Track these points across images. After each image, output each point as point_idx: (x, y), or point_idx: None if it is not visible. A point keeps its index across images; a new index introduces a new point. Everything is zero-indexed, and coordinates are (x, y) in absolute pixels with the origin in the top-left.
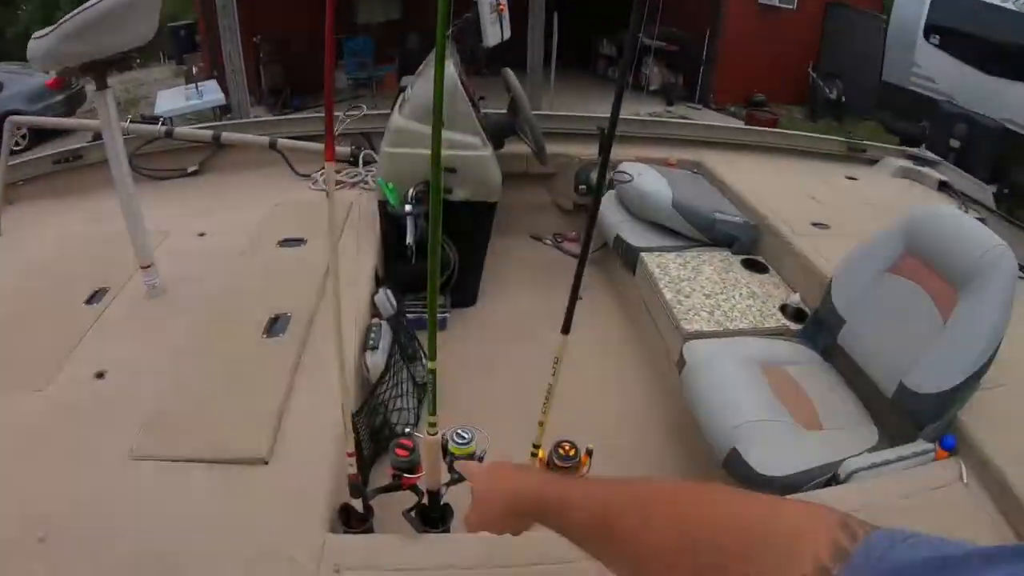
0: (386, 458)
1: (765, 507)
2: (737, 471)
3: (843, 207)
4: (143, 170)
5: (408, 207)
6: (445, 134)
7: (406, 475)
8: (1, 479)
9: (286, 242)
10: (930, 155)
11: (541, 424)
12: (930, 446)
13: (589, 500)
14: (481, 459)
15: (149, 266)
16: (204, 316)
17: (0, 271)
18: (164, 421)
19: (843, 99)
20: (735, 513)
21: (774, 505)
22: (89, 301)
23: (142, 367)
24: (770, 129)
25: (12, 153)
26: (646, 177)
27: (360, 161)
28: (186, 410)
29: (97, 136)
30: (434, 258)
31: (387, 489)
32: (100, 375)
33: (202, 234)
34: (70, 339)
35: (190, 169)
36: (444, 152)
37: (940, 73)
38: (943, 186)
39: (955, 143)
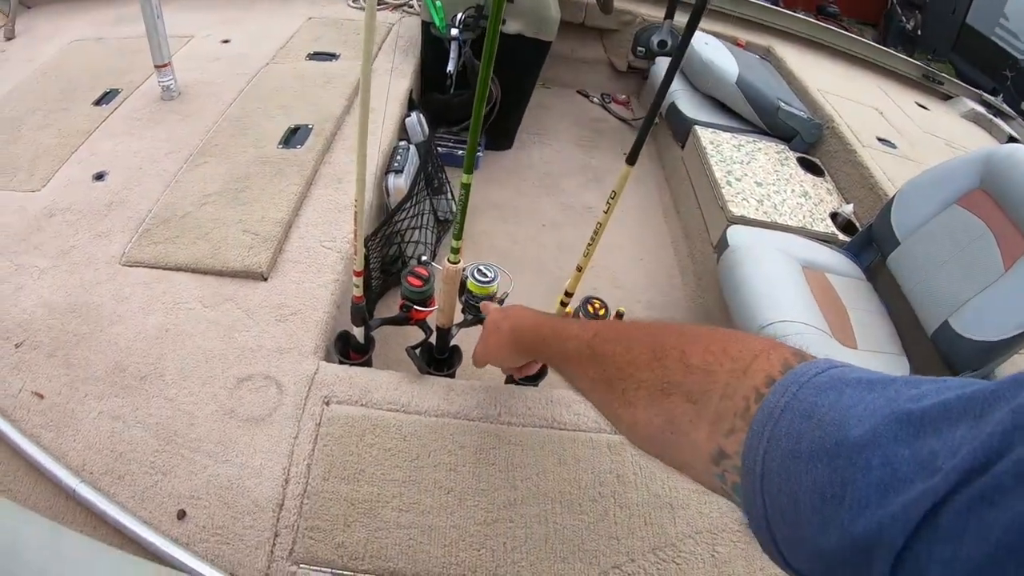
0: (394, 293)
1: (733, 335)
2: None
3: (911, 132)
4: None
5: (454, 31)
6: None
7: (417, 308)
8: None
9: (316, 55)
10: (1006, 108)
11: (580, 270)
12: None
13: (582, 331)
14: (501, 302)
15: (165, 66)
16: (218, 122)
17: (10, 72)
18: (160, 227)
19: (919, 32)
20: (704, 335)
21: (742, 335)
22: (98, 102)
23: (145, 171)
24: (849, 33)
25: None
26: (713, 48)
27: None
28: (185, 217)
29: None
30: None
31: (393, 321)
32: (99, 177)
33: (226, 41)
34: (73, 139)
35: None
36: None
37: None
38: (1011, 142)
39: None
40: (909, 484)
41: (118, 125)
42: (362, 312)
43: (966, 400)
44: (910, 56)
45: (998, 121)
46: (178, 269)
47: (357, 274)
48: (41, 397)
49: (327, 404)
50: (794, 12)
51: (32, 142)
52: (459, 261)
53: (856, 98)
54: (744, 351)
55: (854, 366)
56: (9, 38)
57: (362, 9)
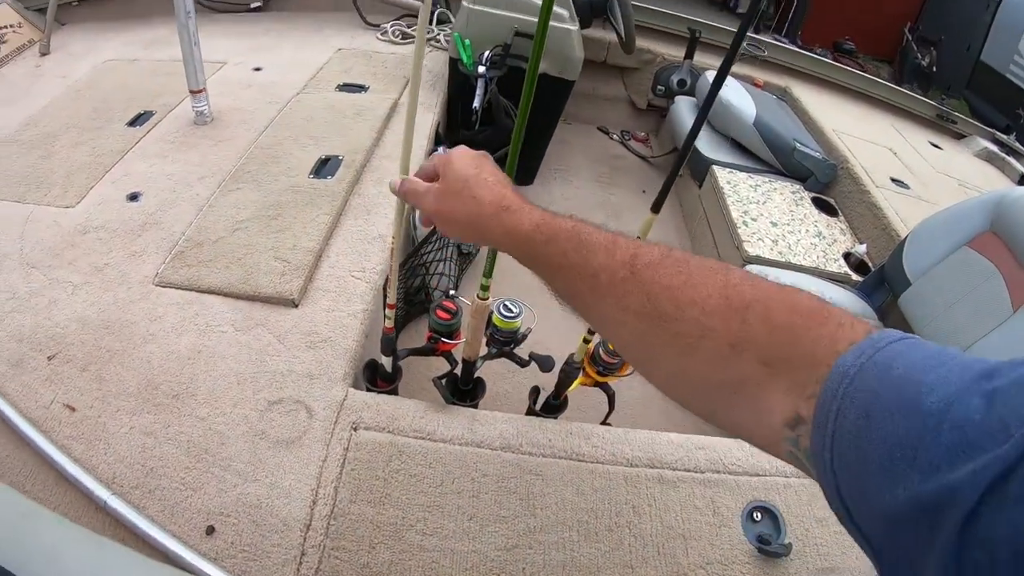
0: (415, 324)
1: (814, 298)
2: None
3: (924, 172)
4: (205, 1)
5: (481, 68)
6: (532, 0)
7: (444, 340)
8: (19, 294)
9: (346, 87)
10: (1019, 146)
11: None
12: None
13: (613, 245)
14: (524, 337)
15: (200, 91)
16: (250, 149)
17: (44, 87)
18: (194, 250)
19: (934, 69)
20: (786, 295)
21: (823, 300)
22: (132, 123)
23: (178, 194)
24: (864, 74)
25: None
26: (731, 90)
27: (434, 18)
28: (219, 242)
29: None
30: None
31: (421, 352)
32: (134, 197)
33: (258, 68)
34: (108, 158)
35: (254, 4)
36: (529, 19)
37: None
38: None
39: None
40: (980, 450)
41: (152, 147)
42: (392, 343)
43: None
44: (925, 93)
45: (1011, 160)
46: (211, 292)
47: (390, 307)
48: (73, 410)
49: (355, 430)
50: (812, 49)
51: (66, 159)
52: (488, 297)
53: (871, 138)
54: (830, 317)
55: (927, 342)
56: (44, 54)
57: (391, 42)
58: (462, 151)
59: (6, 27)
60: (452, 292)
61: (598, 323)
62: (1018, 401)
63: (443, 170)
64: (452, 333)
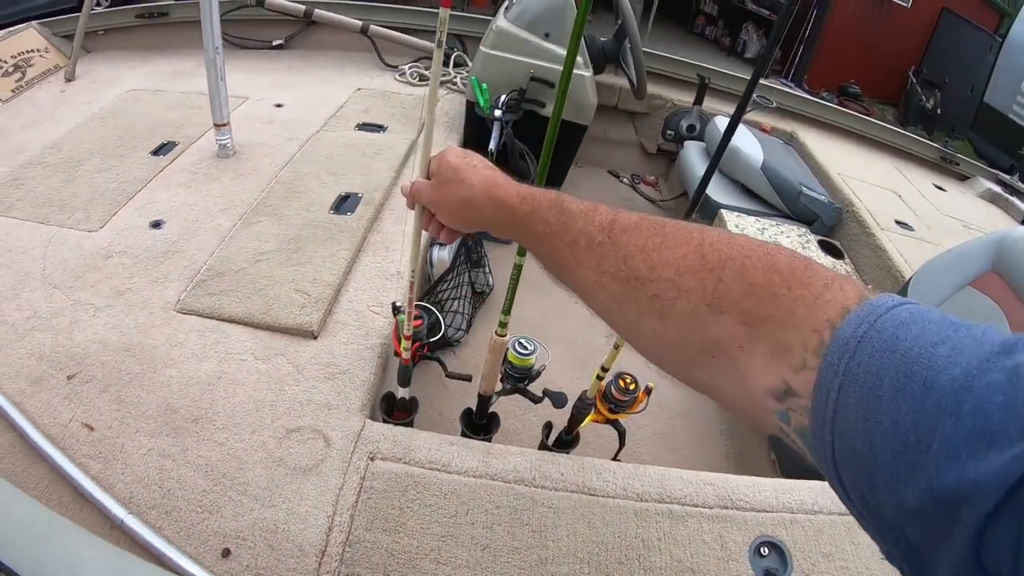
0: (429, 363)
1: (798, 257)
2: (783, 450)
3: (928, 214)
4: (228, 37)
5: (497, 112)
6: (548, 47)
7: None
8: (40, 313)
9: (364, 126)
10: (1023, 186)
11: (617, 348)
12: None
13: (593, 212)
14: (539, 374)
15: (224, 125)
16: (271, 184)
17: (69, 112)
18: (215, 280)
19: (938, 111)
20: (764, 251)
21: (807, 259)
22: (156, 152)
23: (201, 224)
24: (869, 118)
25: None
26: (740, 135)
27: (451, 62)
28: (240, 272)
29: None
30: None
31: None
32: (156, 225)
33: (280, 105)
34: (131, 185)
35: (276, 42)
36: (544, 64)
37: None
38: None
39: None
40: (1005, 439)
41: (175, 177)
42: (408, 374)
43: None
44: (930, 134)
45: (1015, 200)
46: (231, 321)
47: (407, 338)
48: (91, 429)
49: (372, 460)
50: (818, 93)
51: (89, 184)
52: (506, 334)
53: (875, 181)
54: (814, 277)
55: (930, 308)
56: (69, 79)
57: (409, 83)
58: (452, 148)
59: (33, 51)
60: (460, 334)
61: (579, 290)
62: None
63: (437, 165)
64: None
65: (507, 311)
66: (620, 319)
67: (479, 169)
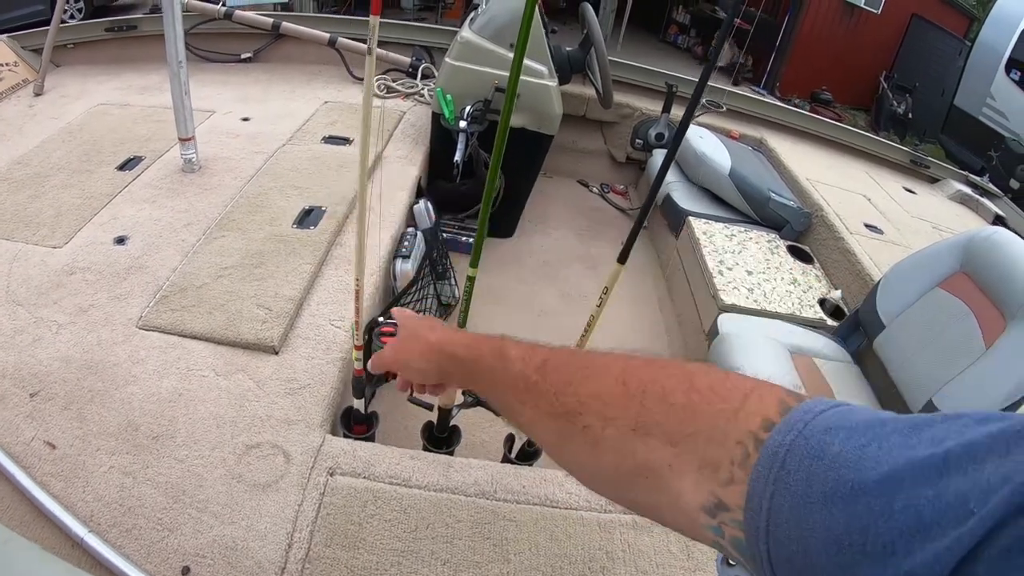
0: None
1: (717, 371)
2: None
3: (898, 217)
4: (196, 50)
5: (463, 123)
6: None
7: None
8: (3, 330)
9: (331, 139)
10: (992, 187)
11: None
12: None
13: (529, 354)
14: None
15: (189, 139)
16: (236, 198)
17: (37, 128)
18: (178, 295)
19: (910, 115)
20: (683, 370)
21: (725, 372)
22: (121, 167)
23: (164, 239)
24: (839, 123)
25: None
26: (707, 142)
27: (419, 73)
28: (202, 288)
29: (155, 9)
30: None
31: (384, 380)
32: (121, 240)
33: (246, 119)
34: (96, 201)
35: (243, 55)
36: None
37: (1014, 110)
38: (998, 220)
39: (1015, 184)
40: (938, 529)
41: (140, 192)
42: (362, 385)
43: (992, 439)
44: (902, 139)
45: (984, 201)
46: (193, 337)
47: (358, 348)
48: (53, 447)
49: (331, 475)
50: (789, 100)
51: (55, 200)
52: None
53: (845, 186)
54: (733, 389)
55: (857, 405)
56: (38, 94)
57: (376, 95)
58: (407, 312)
59: (2, 65)
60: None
61: (527, 430)
62: (973, 470)
63: (398, 330)
64: None
65: (462, 324)
66: (562, 454)
67: (436, 327)
